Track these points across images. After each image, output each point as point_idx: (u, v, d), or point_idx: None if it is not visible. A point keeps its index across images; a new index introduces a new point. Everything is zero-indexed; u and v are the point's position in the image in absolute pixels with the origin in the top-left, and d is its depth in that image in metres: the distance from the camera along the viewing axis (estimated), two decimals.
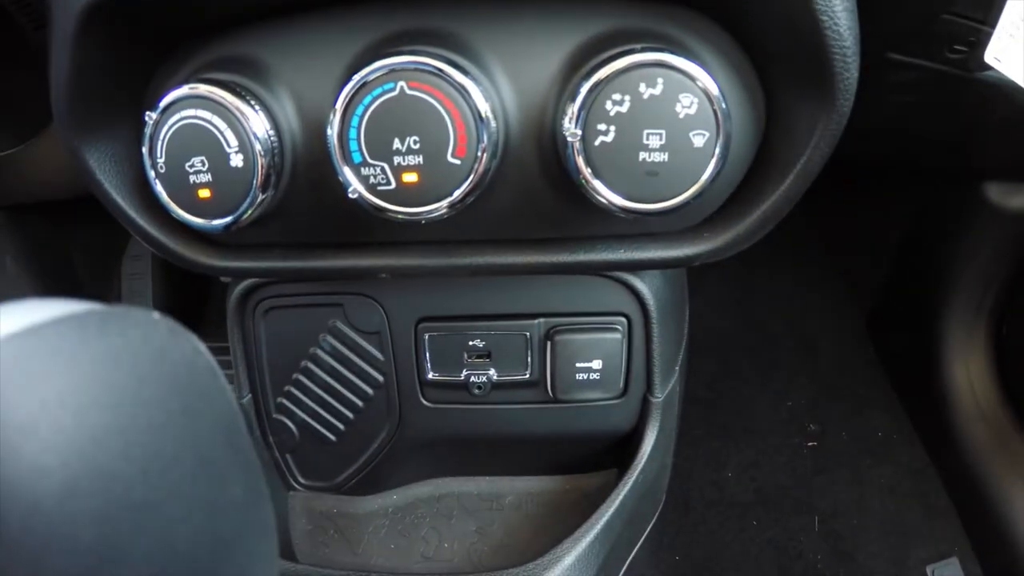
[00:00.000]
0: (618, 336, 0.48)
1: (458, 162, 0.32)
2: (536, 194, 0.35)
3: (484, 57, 0.33)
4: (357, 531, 0.54)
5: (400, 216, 0.33)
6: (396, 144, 0.32)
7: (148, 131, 0.36)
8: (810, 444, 1.15)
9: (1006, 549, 1.02)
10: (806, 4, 0.30)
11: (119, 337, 0.20)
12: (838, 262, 0.78)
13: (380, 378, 0.50)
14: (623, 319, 0.49)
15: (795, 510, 1.10)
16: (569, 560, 0.48)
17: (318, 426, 0.53)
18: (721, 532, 1.06)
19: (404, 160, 0.32)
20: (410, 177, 0.32)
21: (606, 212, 0.33)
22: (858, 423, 1.17)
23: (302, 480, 0.56)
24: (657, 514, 0.64)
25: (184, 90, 0.35)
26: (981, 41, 0.40)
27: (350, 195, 0.33)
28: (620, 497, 0.53)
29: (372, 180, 0.33)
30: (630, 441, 0.56)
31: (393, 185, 0.32)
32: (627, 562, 0.59)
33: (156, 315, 0.21)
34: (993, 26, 0.39)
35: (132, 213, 0.42)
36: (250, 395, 0.53)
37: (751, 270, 1.12)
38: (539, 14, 0.34)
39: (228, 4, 0.37)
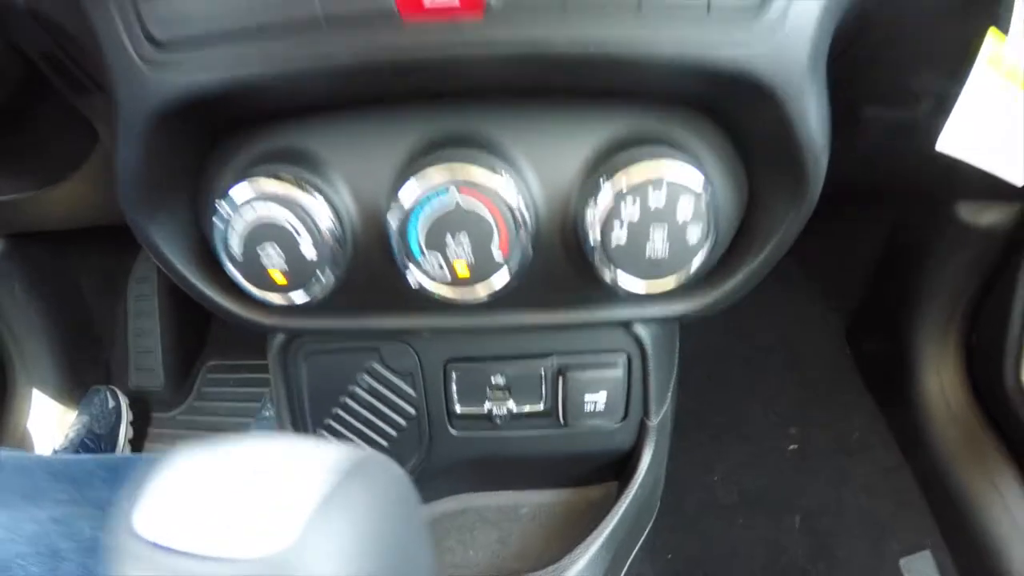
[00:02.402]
0: (619, 372, 0.57)
1: (501, 256, 0.40)
2: (558, 274, 0.44)
3: (517, 159, 0.41)
4: None
5: (449, 299, 0.41)
6: (449, 240, 0.39)
7: (221, 223, 0.41)
8: (792, 447, 1.23)
9: (974, 541, 1.10)
10: (787, 120, 0.38)
11: (379, 489, 0.26)
12: (820, 279, 0.88)
13: (412, 411, 0.59)
14: (624, 356, 0.57)
15: (778, 509, 1.18)
16: (582, 563, 0.58)
17: None
18: (710, 532, 1.13)
19: (456, 254, 0.39)
20: (461, 268, 0.40)
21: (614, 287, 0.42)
22: (837, 427, 1.27)
23: None
24: (652, 520, 0.74)
25: (256, 186, 0.40)
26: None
27: (411, 284, 0.41)
28: (623, 508, 0.63)
29: (429, 271, 0.40)
30: (629, 458, 0.65)
31: (448, 277, 0.40)
32: (627, 563, 0.69)
33: (383, 458, 0.28)
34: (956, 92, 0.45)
35: (195, 281, 0.49)
36: (290, 425, 0.60)
37: None
38: (564, 118, 0.41)
39: (288, 100, 0.42)
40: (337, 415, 0.60)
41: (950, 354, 1.18)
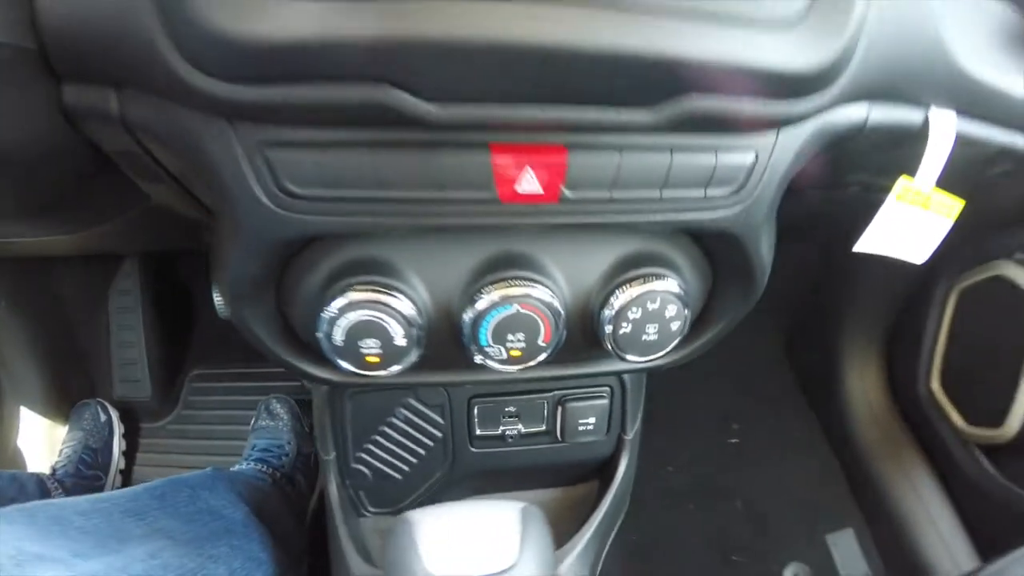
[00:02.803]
0: (606, 401, 0.72)
1: (544, 343, 0.50)
2: (576, 347, 0.55)
3: (555, 274, 0.51)
4: None
5: (500, 371, 0.52)
6: (508, 336, 0.49)
7: (326, 325, 0.47)
8: (733, 441, 1.36)
9: (890, 521, 1.22)
10: (746, 252, 0.51)
11: (539, 524, 0.39)
12: (763, 299, 0.99)
13: (439, 435, 0.71)
14: (608, 389, 0.72)
15: (723, 496, 1.30)
16: (577, 551, 0.71)
17: (387, 469, 0.72)
18: (665, 516, 1.24)
19: (512, 344, 0.50)
20: (515, 352, 0.50)
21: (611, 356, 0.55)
22: (776, 425, 1.40)
23: (371, 509, 0.76)
24: (624, 513, 0.87)
25: (355, 296, 0.46)
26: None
27: (475, 362, 0.51)
28: (605, 506, 0.77)
29: (491, 355, 0.50)
30: (609, 464, 0.79)
31: (504, 357, 0.50)
32: (608, 545, 0.82)
33: (532, 506, 0.40)
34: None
35: (284, 355, 0.55)
36: (335, 453, 0.71)
37: None
38: (588, 244, 0.51)
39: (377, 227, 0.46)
40: (375, 440, 0.71)
41: (872, 364, 1.31)
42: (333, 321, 0.47)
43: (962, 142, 0.52)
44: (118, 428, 1.29)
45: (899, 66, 0.46)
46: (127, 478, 1.30)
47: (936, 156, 0.52)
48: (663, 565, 1.21)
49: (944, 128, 0.51)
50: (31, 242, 0.83)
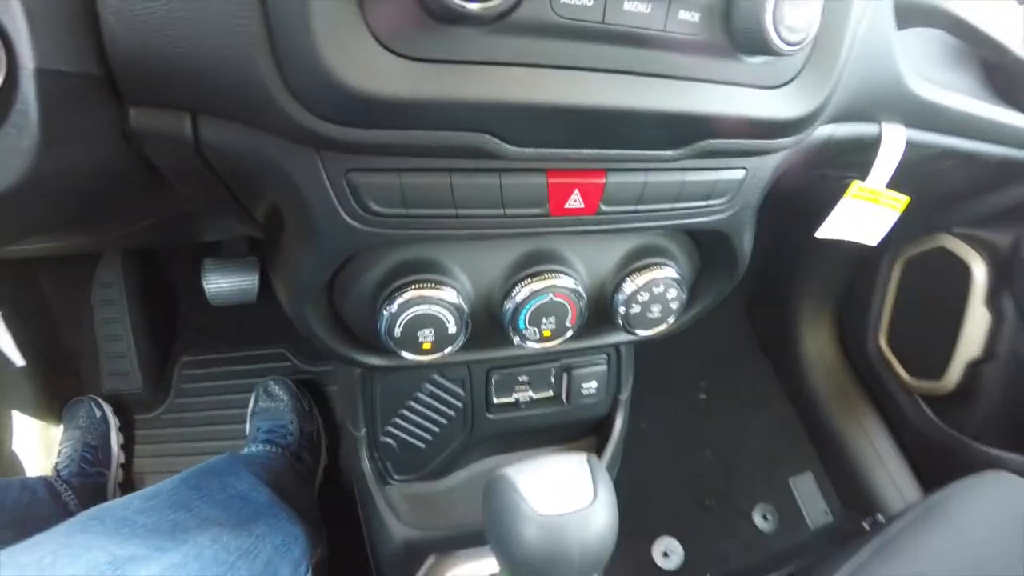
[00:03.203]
0: (604, 367, 0.81)
1: (571, 324, 0.59)
2: (592, 324, 0.64)
3: (577, 267, 0.59)
4: (442, 502, 0.83)
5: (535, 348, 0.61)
6: (543, 320, 0.58)
7: (387, 317, 0.53)
8: (702, 398, 1.46)
9: (845, 465, 1.34)
10: (732, 245, 0.62)
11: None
12: None
13: (460, 405, 0.78)
14: (606, 356, 0.81)
15: (695, 447, 1.41)
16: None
17: (412, 440, 0.79)
18: (644, 463, 1.35)
19: (545, 326, 0.58)
20: (547, 334, 0.59)
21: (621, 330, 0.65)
22: (739, 382, 1.51)
23: (396, 476, 0.83)
24: (619, 464, 0.93)
25: (412, 293, 0.53)
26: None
27: (512, 343, 0.59)
28: (607, 458, 0.86)
29: (527, 335, 0.58)
30: (606, 421, 0.88)
31: (538, 336, 0.59)
32: None
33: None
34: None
35: (337, 346, 0.61)
36: (365, 429, 0.78)
37: None
38: (604, 241, 0.60)
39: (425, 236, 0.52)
40: (401, 414, 0.78)
41: (825, 324, 1.42)
42: (394, 317, 0.53)
43: (910, 146, 0.64)
44: (114, 422, 1.30)
45: (862, 95, 0.56)
46: (128, 471, 1.31)
47: (887, 161, 0.64)
48: (645, 511, 1.31)
49: (894, 139, 0.63)
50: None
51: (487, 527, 0.49)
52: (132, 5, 0.37)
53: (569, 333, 0.61)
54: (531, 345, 0.61)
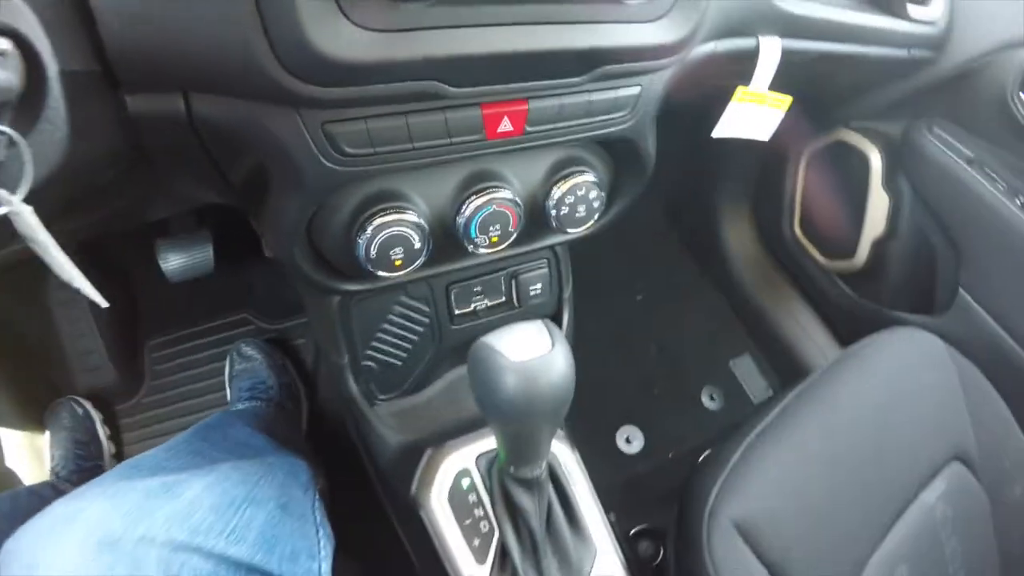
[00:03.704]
0: (546, 270, 0.92)
1: (512, 229, 0.71)
2: (530, 230, 0.75)
3: (513, 181, 0.71)
4: (426, 411, 0.93)
5: (486, 254, 0.73)
6: (490, 228, 0.69)
7: (363, 243, 0.63)
8: (639, 298, 1.56)
9: (776, 343, 1.48)
10: (638, 149, 0.75)
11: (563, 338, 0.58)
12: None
13: (427, 320, 0.87)
14: (546, 260, 0.93)
15: (638, 344, 1.55)
16: None
17: (390, 359, 0.89)
18: (596, 363, 1.46)
19: (493, 233, 0.69)
20: (495, 240, 0.70)
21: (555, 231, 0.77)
22: (671, 281, 1.62)
23: (380, 396, 0.93)
24: None
25: (383, 219, 0.63)
26: None
27: (468, 250, 0.71)
28: None
29: (478, 243, 0.70)
30: (555, 318, 1.00)
31: (487, 243, 0.70)
32: None
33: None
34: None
35: (321, 278, 0.71)
36: (348, 356, 0.87)
37: None
38: (532, 156, 0.71)
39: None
40: (378, 337, 0.88)
41: (744, 218, 1.55)
42: (369, 241, 0.64)
43: (787, 54, 0.78)
44: (97, 416, 1.34)
45: (735, 16, 0.71)
46: (121, 459, 1.33)
47: (766, 68, 0.79)
48: (603, 405, 1.43)
49: (770, 49, 0.77)
50: None
51: (473, 388, 0.61)
52: (130, 5, 0.45)
53: (513, 237, 0.74)
54: (483, 251, 0.73)
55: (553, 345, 0.57)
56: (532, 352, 0.56)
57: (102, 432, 1.32)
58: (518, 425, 0.61)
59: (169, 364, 1.45)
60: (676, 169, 1.52)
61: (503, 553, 0.79)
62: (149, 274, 1.31)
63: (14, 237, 0.47)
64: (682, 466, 0.83)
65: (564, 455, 0.88)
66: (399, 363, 0.92)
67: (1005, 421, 0.94)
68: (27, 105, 0.43)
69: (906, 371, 0.92)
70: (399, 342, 0.90)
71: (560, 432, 0.91)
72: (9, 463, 1.27)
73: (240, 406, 1.24)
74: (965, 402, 0.90)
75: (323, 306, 0.85)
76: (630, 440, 1.43)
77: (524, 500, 0.72)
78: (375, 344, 0.89)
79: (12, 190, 0.43)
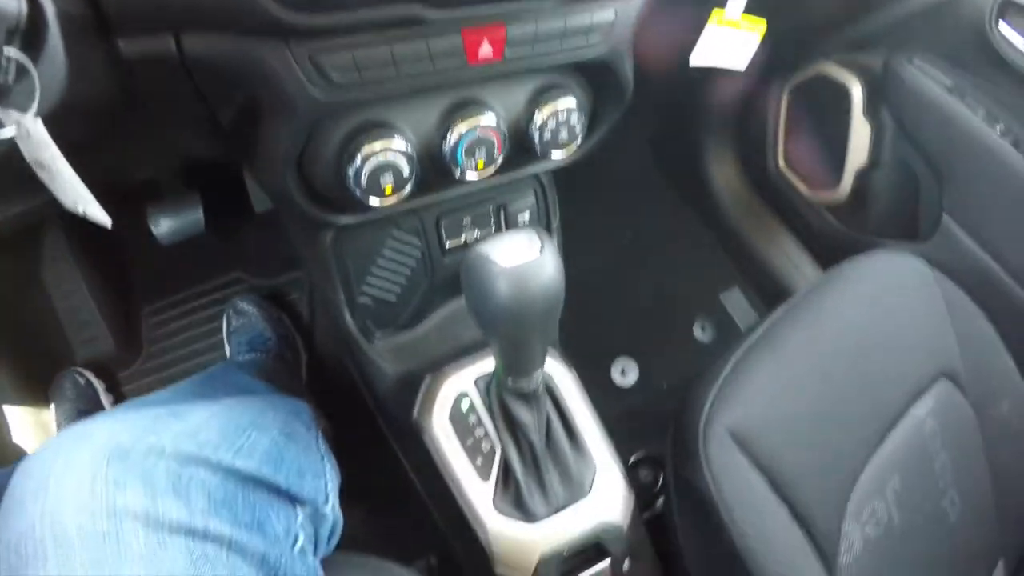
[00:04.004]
0: (534, 199, 0.95)
1: (498, 154, 0.73)
2: (515, 157, 0.78)
3: (496, 107, 0.73)
4: (422, 344, 0.95)
5: (470, 180, 0.76)
6: (475, 152, 0.72)
7: (353, 172, 0.67)
8: (628, 234, 1.59)
9: (765, 276, 1.49)
10: (617, 73, 0.78)
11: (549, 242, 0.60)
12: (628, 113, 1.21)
13: (419, 254, 0.89)
14: (533, 189, 0.95)
15: (629, 279, 1.57)
16: None
17: (384, 295, 0.91)
18: (588, 301, 1.30)
19: (479, 157, 0.72)
20: (480, 164, 0.73)
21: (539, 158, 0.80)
22: (658, 218, 1.63)
23: (377, 332, 0.95)
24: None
25: (371, 147, 0.66)
26: None
27: (456, 176, 0.74)
28: None
29: (465, 168, 0.72)
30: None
31: (475, 167, 0.73)
32: None
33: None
34: None
35: (315, 211, 0.73)
36: (343, 292, 0.89)
37: None
38: (515, 83, 0.73)
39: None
40: (372, 273, 0.90)
41: (729, 153, 1.57)
42: (359, 170, 0.67)
43: None
44: (100, 385, 1.35)
45: None
46: None
47: None
48: (597, 340, 1.45)
49: None
50: None
51: (467, 297, 0.63)
52: None
53: (499, 162, 0.76)
54: (470, 176, 0.76)
55: (543, 250, 0.60)
56: (522, 258, 0.59)
57: (105, 400, 1.34)
58: (512, 330, 0.64)
59: (166, 328, 1.47)
60: (659, 110, 1.58)
61: (506, 469, 0.82)
62: (141, 243, 1.34)
63: (17, 180, 0.49)
64: (676, 396, 0.85)
65: (560, 375, 0.91)
66: (394, 298, 0.94)
67: (991, 341, 0.96)
68: (29, 42, 0.45)
69: (891, 290, 0.95)
70: (393, 276, 0.92)
71: (555, 352, 0.94)
72: (16, 439, 1.29)
73: (240, 359, 1.26)
74: (951, 322, 0.92)
75: (317, 244, 0.87)
76: (624, 372, 1.47)
77: (523, 414, 0.76)
78: (369, 279, 0.92)
79: (23, 111, 0.46)
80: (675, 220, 1.67)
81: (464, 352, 0.92)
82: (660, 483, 1.21)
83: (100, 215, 0.54)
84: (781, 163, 1.43)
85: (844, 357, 0.86)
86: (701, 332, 1.53)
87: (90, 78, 0.51)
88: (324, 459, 0.77)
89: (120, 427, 0.58)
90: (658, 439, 0.90)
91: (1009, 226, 1.04)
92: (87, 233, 1.44)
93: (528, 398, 0.74)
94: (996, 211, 1.05)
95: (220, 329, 1.42)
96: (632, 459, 1.21)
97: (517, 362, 0.70)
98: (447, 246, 0.93)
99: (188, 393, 0.84)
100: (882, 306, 0.93)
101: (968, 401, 0.91)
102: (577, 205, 1.16)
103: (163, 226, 1.32)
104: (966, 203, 1.09)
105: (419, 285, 0.95)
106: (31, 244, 1.40)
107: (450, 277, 0.96)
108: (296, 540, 0.62)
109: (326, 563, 0.68)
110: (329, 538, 0.73)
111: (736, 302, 1.57)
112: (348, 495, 0.79)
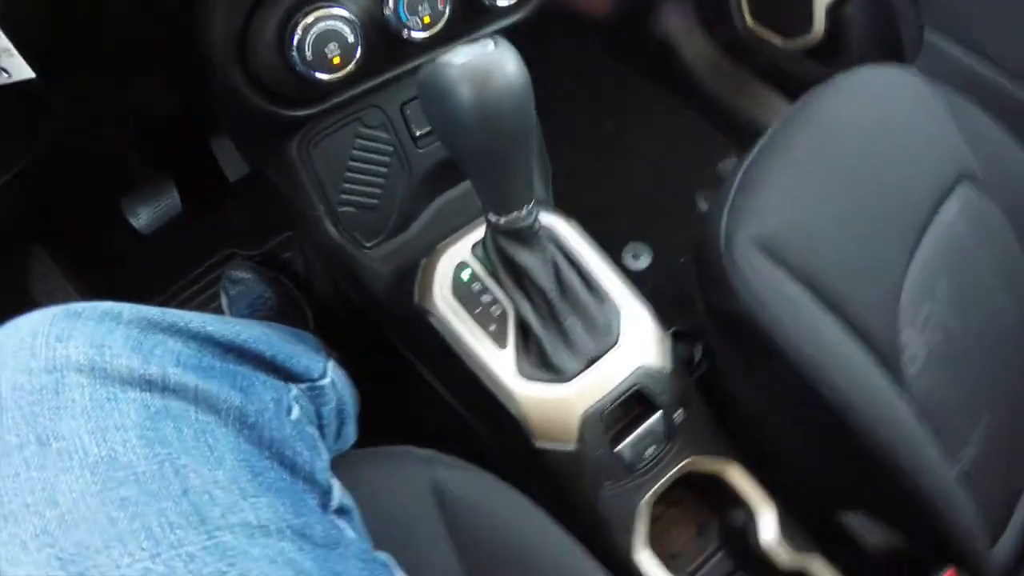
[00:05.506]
0: None
1: (443, 8, 0.75)
2: (465, 12, 0.80)
3: None
4: (414, 244, 0.95)
5: (418, 39, 0.76)
6: (418, 7, 0.73)
7: (296, 40, 0.68)
8: (609, 124, 1.61)
9: (755, 138, 1.42)
10: None
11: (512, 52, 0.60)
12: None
13: (391, 148, 0.89)
14: None
15: (619, 165, 1.57)
16: None
17: (366, 199, 0.91)
18: (580, 187, 1.36)
19: (424, 12, 0.73)
20: (427, 20, 0.74)
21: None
22: (635, 102, 1.65)
23: (366, 244, 0.94)
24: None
25: (315, 15, 0.68)
26: None
27: (403, 36, 0.75)
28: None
29: (411, 26, 0.74)
30: None
31: (420, 25, 0.74)
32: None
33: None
34: None
35: (264, 104, 0.75)
36: (322, 206, 0.90)
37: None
38: None
39: None
40: (348, 178, 0.89)
41: (693, 28, 1.54)
42: (301, 41, 0.69)
43: None
44: None
45: None
46: None
47: None
48: (601, 229, 1.38)
49: None
50: None
51: (430, 118, 0.63)
52: None
53: (446, 14, 0.77)
54: (417, 35, 0.76)
55: (499, 44, 0.59)
56: (480, 54, 0.58)
57: None
58: (483, 140, 0.61)
59: None
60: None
61: (523, 329, 0.80)
62: (125, 242, 1.36)
63: None
64: (692, 270, 0.82)
65: (561, 225, 0.90)
66: (376, 201, 0.93)
67: (1002, 141, 0.94)
68: None
69: (891, 98, 0.92)
70: (370, 178, 0.92)
71: (551, 207, 0.94)
72: None
73: None
74: (956, 125, 0.90)
75: (283, 158, 0.87)
76: (637, 256, 1.46)
77: (524, 257, 0.73)
78: (346, 186, 0.91)
79: None
80: (653, 102, 1.66)
81: (454, 228, 0.92)
82: (699, 356, 1.20)
83: (23, 67, 0.54)
84: (749, 20, 1.41)
85: (857, 160, 0.83)
86: (704, 204, 1.53)
87: None
88: (326, 356, 0.76)
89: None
90: (684, 314, 0.88)
91: (996, 22, 1.03)
92: (72, 246, 1.46)
93: (526, 238, 0.71)
94: (980, 12, 1.04)
95: (221, 309, 1.42)
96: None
97: (500, 188, 0.68)
98: (416, 134, 0.92)
99: None
100: (885, 112, 0.90)
101: (994, 201, 0.88)
102: (549, 105, 1.15)
103: (142, 216, 1.33)
104: (946, 10, 1.07)
105: (399, 183, 0.94)
106: (17, 263, 1.42)
107: (428, 171, 0.95)
108: (289, 410, 0.57)
109: (339, 462, 0.63)
110: (340, 427, 0.70)
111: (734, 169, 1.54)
112: (363, 425, 0.79)
